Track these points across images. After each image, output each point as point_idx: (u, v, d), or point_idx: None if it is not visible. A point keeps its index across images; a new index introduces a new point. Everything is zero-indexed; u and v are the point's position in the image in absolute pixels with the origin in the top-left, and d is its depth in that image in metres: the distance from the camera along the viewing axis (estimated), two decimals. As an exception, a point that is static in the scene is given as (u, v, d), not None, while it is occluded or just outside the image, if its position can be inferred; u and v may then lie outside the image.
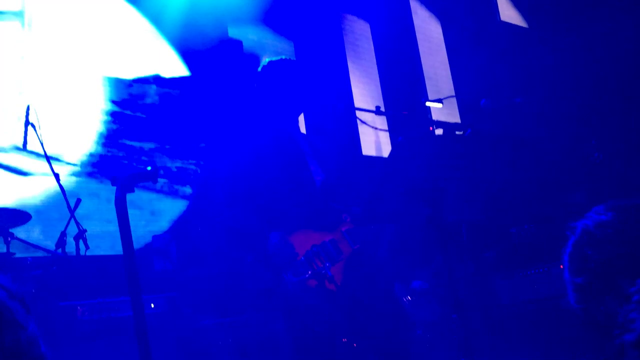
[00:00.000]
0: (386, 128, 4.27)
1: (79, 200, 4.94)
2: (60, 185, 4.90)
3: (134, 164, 6.41)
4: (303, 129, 7.25)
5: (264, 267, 3.05)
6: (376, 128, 3.48)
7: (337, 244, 3.14)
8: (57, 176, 4.92)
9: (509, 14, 6.92)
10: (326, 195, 3.29)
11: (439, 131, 3.37)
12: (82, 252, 4.79)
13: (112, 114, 6.47)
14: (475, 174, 3.04)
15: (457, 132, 2.92)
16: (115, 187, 2.16)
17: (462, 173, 2.98)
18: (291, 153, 3.31)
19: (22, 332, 1.25)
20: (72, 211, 4.84)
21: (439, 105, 2.82)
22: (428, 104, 2.80)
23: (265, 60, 3.56)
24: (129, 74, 6.70)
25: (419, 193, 2.84)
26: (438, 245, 2.72)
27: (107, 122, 6.41)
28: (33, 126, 4.98)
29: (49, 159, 4.94)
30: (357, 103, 7.60)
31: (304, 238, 3.04)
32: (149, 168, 2.19)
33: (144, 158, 6.54)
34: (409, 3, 7.83)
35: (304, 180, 3.26)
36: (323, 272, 2.93)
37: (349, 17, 7.95)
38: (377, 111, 3.27)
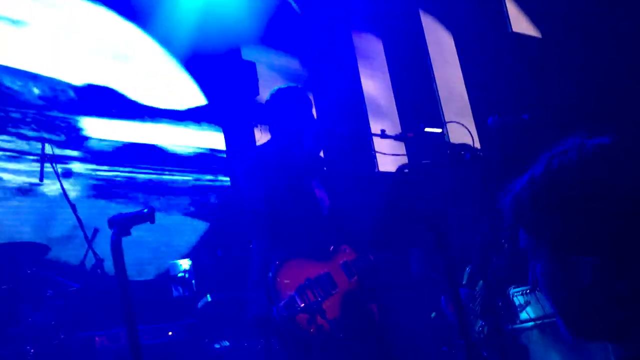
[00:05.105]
0: (402, 150, 4.25)
1: (96, 230, 5.00)
2: (78, 217, 4.96)
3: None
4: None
5: (263, 294, 2.98)
6: (383, 153, 3.47)
7: (333, 277, 3.06)
8: (73, 207, 4.98)
9: (520, 24, 6.88)
10: (332, 220, 3.24)
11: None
12: (100, 282, 4.84)
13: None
14: (479, 196, 3.02)
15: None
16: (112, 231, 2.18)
17: (466, 197, 2.96)
18: (295, 180, 3.28)
19: None
20: (89, 242, 4.90)
21: (439, 130, 2.79)
22: (427, 129, 2.78)
23: (274, 88, 3.56)
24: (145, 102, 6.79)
25: (424, 219, 2.83)
26: (443, 272, 2.69)
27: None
28: (49, 161, 5.06)
29: (65, 192, 5.01)
30: (372, 120, 7.59)
31: (298, 269, 2.96)
32: (145, 210, 2.21)
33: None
34: (419, 17, 7.82)
35: (308, 208, 3.21)
36: (315, 306, 2.86)
37: (361, 34, 7.95)
38: (382, 134, 3.24)
